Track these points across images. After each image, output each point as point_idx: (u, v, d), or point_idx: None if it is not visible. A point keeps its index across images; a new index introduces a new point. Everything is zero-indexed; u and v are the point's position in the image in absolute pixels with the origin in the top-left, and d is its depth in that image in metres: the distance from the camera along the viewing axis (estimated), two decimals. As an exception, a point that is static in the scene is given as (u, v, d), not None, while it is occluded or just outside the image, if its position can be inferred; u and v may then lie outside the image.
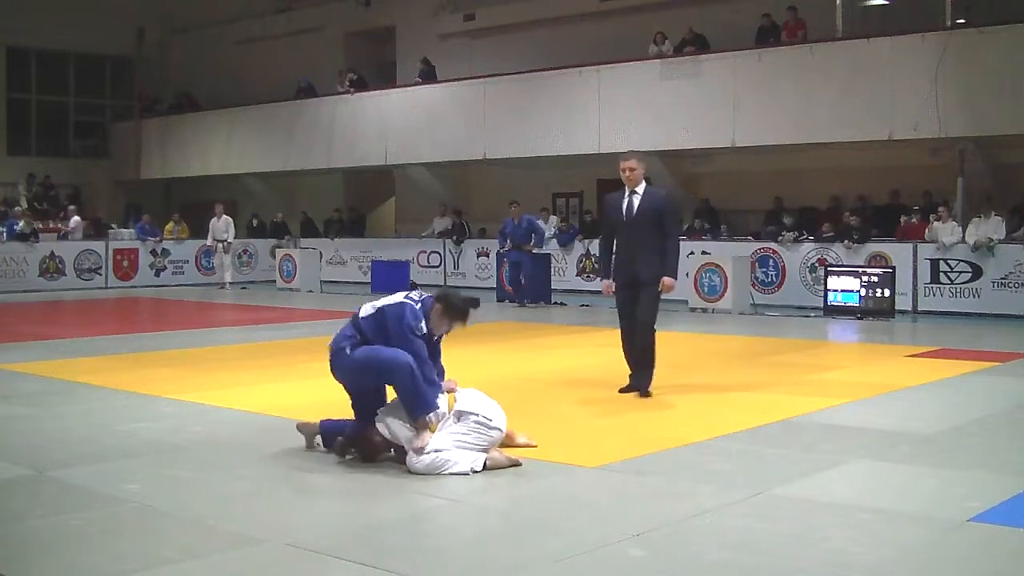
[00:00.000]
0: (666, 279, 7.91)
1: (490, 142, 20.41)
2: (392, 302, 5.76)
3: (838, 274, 15.24)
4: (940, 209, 15.63)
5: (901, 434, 6.54)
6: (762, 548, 4.25)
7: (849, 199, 17.62)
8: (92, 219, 24.39)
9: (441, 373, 5.85)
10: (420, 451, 5.40)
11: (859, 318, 14.57)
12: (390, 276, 18.80)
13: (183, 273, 22.80)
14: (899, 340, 12.63)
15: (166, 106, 28.34)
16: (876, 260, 15.69)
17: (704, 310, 15.71)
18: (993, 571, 4.08)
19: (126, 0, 27.38)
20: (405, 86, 22.92)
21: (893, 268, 14.96)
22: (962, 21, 15.90)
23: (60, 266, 21.01)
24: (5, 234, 20.75)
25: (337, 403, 6.05)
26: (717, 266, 15.83)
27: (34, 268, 20.65)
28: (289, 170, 24.63)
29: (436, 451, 5.43)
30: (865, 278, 14.86)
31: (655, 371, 8.02)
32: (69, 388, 8.33)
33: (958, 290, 15.05)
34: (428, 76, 22.24)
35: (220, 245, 21.71)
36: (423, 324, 5.67)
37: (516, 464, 5.58)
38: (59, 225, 22.63)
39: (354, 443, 5.71)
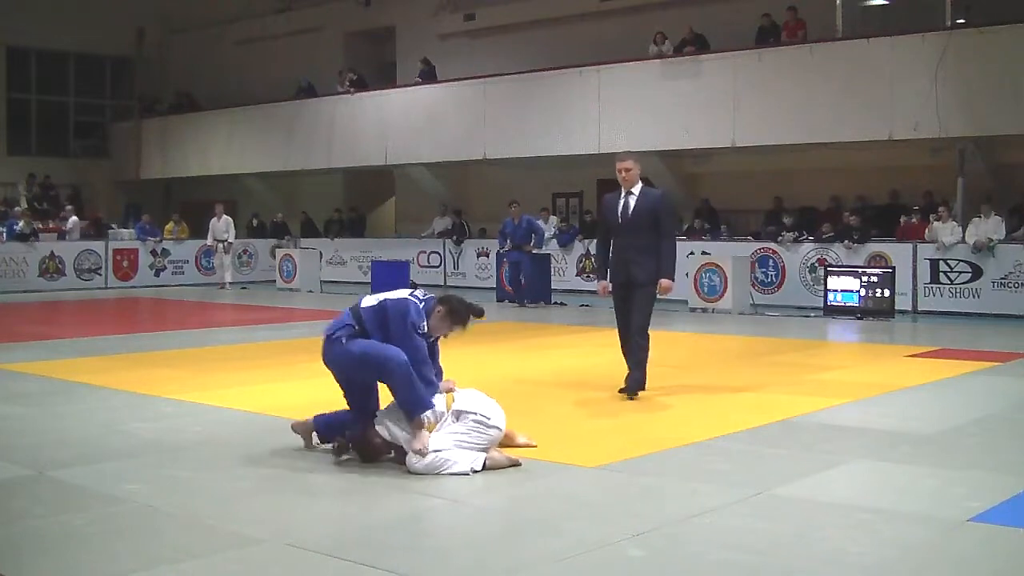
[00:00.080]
0: (663, 281, 7.87)
1: (490, 142, 20.42)
2: (395, 297, 5.75)
3: (838, 274, 15.24)
4: (940, 209, 15.63)
5: (901, 434, 6.54)
6: (762, 548, 4.25)
7: (849, 199, 17.62)
8: (92, 219, 24.41)
9: (439, 373, 5.84)
10: (422, 453, 5.40)
11: (859, 318, 14.57)
12: (390, 276, 18.76)
13: (183, 273, 22.81)
14: (899, 340, 12.63)
15: (166, 106, 28.34)
16: (876, 260, 15.69)
17: (704, 310, 15.71)
18: (993, 571, 4.08)
19: (126, 0, 27.38)
20: (405, 86, 22.92)
21: (893, 268, 14.96)
22: (962, 21, 15.90)
23: (60, 266, 21.01)
24: (5, 234, 20.75)
25: (336, 403, 6.04)
26: (717, 266, 15.83)
27: (34, 268, 20.65)
28: (289, 170, 24.63)
29: (435, 451, 5.42)
30: (865, 278, 14.86)
31: (647, 374, 7.99)
32: (69, 388, 8.33)
33: (958, 290, 15.05)
34: (428, 76, 22.24)
35: (220, 245, 21.71)
36: (425, 323, 5.67)
37: (516, 464, 5.58)
38: (58, 225, 22.61)
39: (354, 445, 5.70)
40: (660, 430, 6.76)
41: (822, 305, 15.25)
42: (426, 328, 5.69)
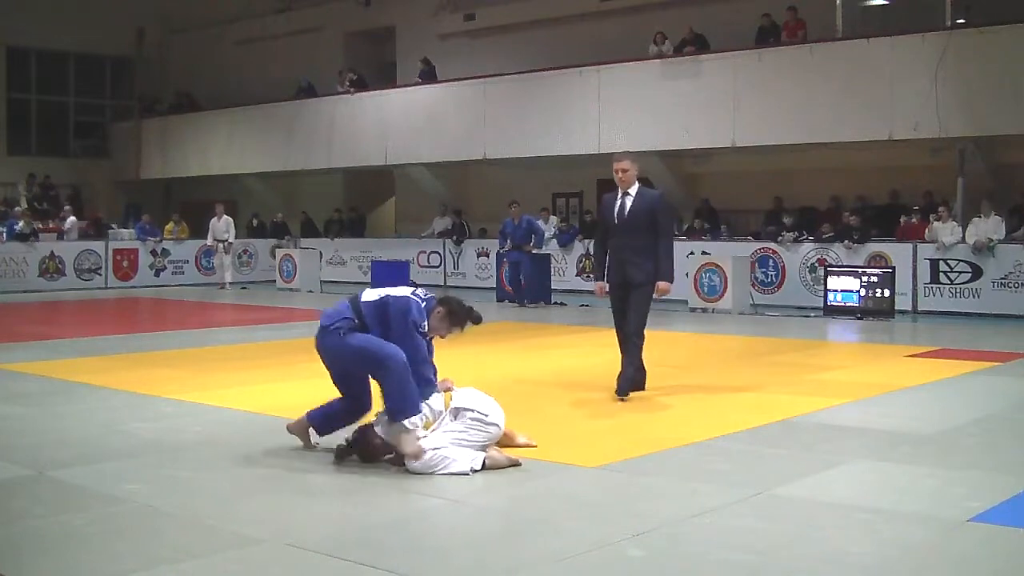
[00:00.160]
0: (661, 284, 7.84)
1: (490, 142, 20.42)
2: (397, 294, 5.74)
3: (838, 274, 15.24)
4: (940, 209, 15.63)
5: (901, 434, 6.54)
6: (762, 548, 4.25)
7: (849, 199, 17.62)
8: (92, 219, 24.41)
9: (434, 372, 5.85)
10: (417, 456, 5.38)
11: (859, 318, 14.57)
12: (390, 276, 18.74)
13: (183, 273, 22.81)
14: (899, 340, 12.63)
15: (166, 106, 28.34)
16: (876, 260, 15.69)
17: (704, 310, 15.71)
18: (993, 571, 4.08)
19: (126, 0, 27.38)
20: (405, 86, 22.92)
21: (893, 268, 14.96)
22: (962, 21, 15.90)
23: (60, 266, 21.01)
24: (5, 234, 20.75)
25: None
26: (717, 266, 15.83)
27: (34, 268, 20.65)
28: (289, 170, 24.63)
29: (434, 449, 5.42)
30: (865, 278, 14.86)
31: (646, 374, 8.01)
32: (69, 388, 8.33)
33: (958, 290, 15.05)
34: (428, 76, 22.24)
35: (221, 245, 21.71)
36: (425, 322, 5.68)
37: (516, 464, 5.58)
38: (56, 225, 22.61)
39: (354, 446, 5.70)
40: (660, 430, 6.76)
41: (822, 305, 15.25)
42: (426, 328, 5.69)
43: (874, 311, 14.62)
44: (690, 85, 17.87)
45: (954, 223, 15.31)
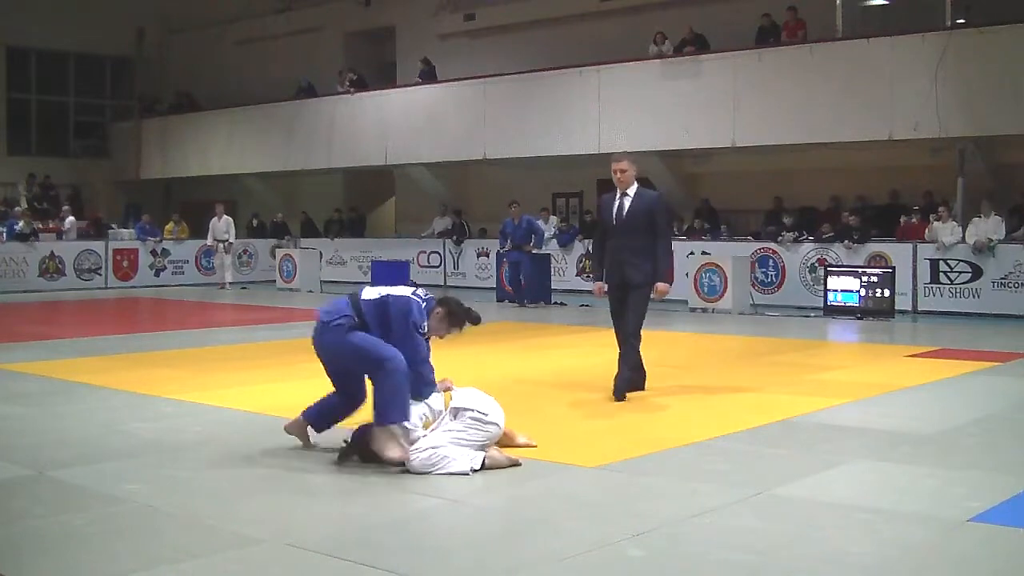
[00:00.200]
0: (660, 285, 7.83)
1: (490, 142, 20.42)
2: (398, 294, 5.74)
3: (838, 274, 15.24)
4: (940, 209, 15.63)
5: (901, 434, 6.54)
6: (762, 548, 4.25)
7: (849, 199, 17.62)
8: (92, 219, 24.41)
9: (433, 373, 5.86)
10: (404, 460, 5.37)
11: (859, 318, 14.57)
12: (390, 276, 18.76)
13: (183, 273, 22.81)
14: (899, 340, 12.63)
15: (166, 106, 28.34)
16: (876, 260, 15.69)
17: (704, 310, 15.71)
18: (993, 571, 4.08)
19: (126, 0, 27.38)
20: (405, 86, 22.92)
21: (893, 268, 14.96)
22: (962, 21, 15.90)
23: (60, 266, 21.01)
24: (5, 234, 20.75)
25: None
26: (717, 266, 15.83)
27: (34, 268, 20.65)
28: (289, 170, 24.63)
29: (433, 448, 5.42)
30: (865, 278, 14.86)
31: (645, 374, 8.00)
32: (69, 388, 8.33)
33: (958, 290, 15.05)
34: (428, 76, 22.24)
35: (221, 245, 21.71)
36: (425, 323, 5.69)
37: (516, 464, 5.58)
38: (55, 225, 22.60)
39: (354, 446, 5.70)
40: (660, 430, 6.76)
41: (822, 305, 15.25)
42: (425, 328, 5.70)
43: (874, 311, 14.62)
44: (690, 85, 17.86)
45: (954, 223, 15.31)
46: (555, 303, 17.24)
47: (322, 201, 25.25)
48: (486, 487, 5.26)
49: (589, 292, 18.16)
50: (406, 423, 5.51)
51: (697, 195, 19.77)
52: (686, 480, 5.37)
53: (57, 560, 4.14)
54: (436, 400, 5.74)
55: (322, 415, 5.96)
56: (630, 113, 18.40)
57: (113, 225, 24.59)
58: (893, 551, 4.25)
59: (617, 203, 7.93)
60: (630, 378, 7.81)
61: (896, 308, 14.71)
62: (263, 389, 8.30)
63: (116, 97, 29.50)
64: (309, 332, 5.97)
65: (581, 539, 4.36)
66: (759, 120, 17.04)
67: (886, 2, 18.89)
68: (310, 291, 20.29)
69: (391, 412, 5.42)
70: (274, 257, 22.22)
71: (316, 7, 25.95)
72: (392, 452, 5.39)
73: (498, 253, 18.47)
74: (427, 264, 21.81)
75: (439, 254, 21.80)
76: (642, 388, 8.01)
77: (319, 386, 6.18)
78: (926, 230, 15.69)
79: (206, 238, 22.07)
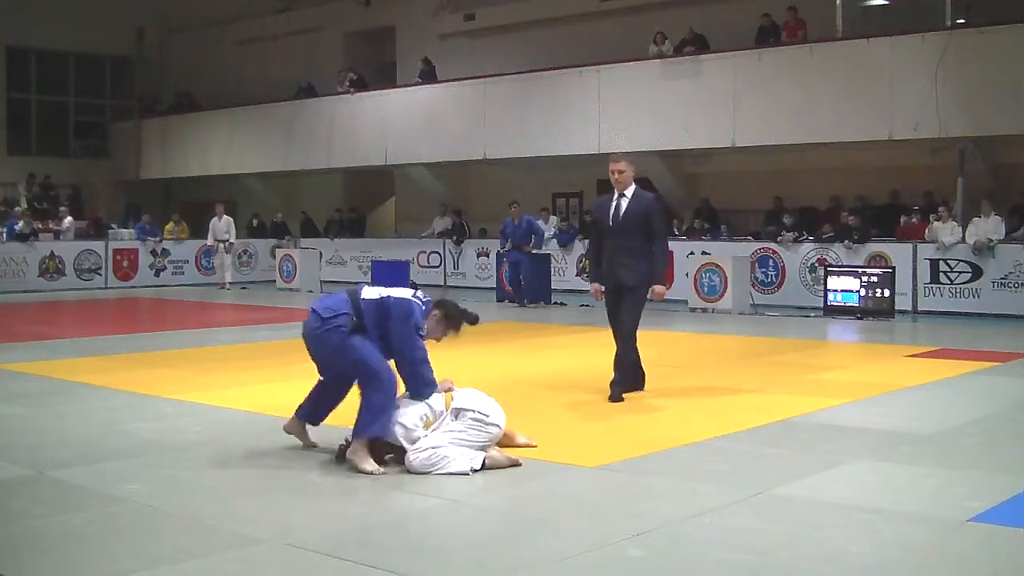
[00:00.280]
0: (656, 288, 7.81)
1: (490, 142, 20.42)
2: (398, 295, 5.74)
3: (838, 274, 15.24)
4: (940, 209, 15.63)
5: (901, 434, 6.54)
6: (762, 548, 4.25)
7: (849, 199, 17.63)
8: (92, 219, 24.41)
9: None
10: (365, 472, 5.37)
11: (859, 318, 14.57)
12: (390, 276, 18.76)
13: (183, 273, 22.81)
14: (899, 340, 12.63)
15: (166, 106, 28.34)
16: (876, 260, 15.69)
17: (704, 310, 15.71)
18: (993, 571, 4.08)
19: (126, 0, 27.39)
20: (405, 86, 22.92)
21: (893, 268, 14.96)
22: (962, 21, 15.90)
23: (60, 266, 21.01)
24: (5, 234, 20.75)
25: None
26: (717, 266, 15.83)
27: (34, 268, 20.65)
28: (289, 170, 24.63)
29: (433, 448, 5.42)
30: (865, 278, 14.86)
31: (644, 374, 8.00)
32: (69, 388, 8.33)
33: (958, 290, 15.05)
34: (428, 76, 22.24)
35: (221, 245, 21.71)
36: (424, 325, 5.72)
37: (516, 464, 5.58)
38: (53, 225, 22.60)
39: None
40: (660, 430, 6.76)
41: (822, 305, 15.25)
42: (424, 330, 5.72)
43: (874, 311, 14.62)
44: (690, 85, 17.87)
45: (954, 223, 15.31)
46: (555, 303, 17.24)
47: (322, 201, 25.26)
48: (486, 487, 5.26)
49: (589, 292, 18.22)
50: (407, 423, 5.52)
51: (697, 195, 19.77)
52: (686, 480, 5.37)
53: (57, 560, 4.15)
54: (437, 401, 5.74)
55: (315, 408, 5.97)
56: (630, 113, 18.40)
57: (113, 225, 24.59)
58: (893, 551, 4.25)
59: (614, 204, 7.89)
60: (626, 380, 7.80)
61: (896, 308, 14.71)
62: (263, 389, 8.30)
63: (116, 97, 29.51)
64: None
65: (581, 539, 4.36)
66: (759, 120, 17.04)
67: (886, 2, 18.89)
68: (310, 291, 20.27)
69: (374, 427, 5.47)
70: (274, 257, 22.22)
71: (316, 7, 25.96)
72: (367, 466, 5.43)
73: (498, 253, 18.47)
74: (427, 264, 21.81)
75: (439, 254, 21.81)
76: (641, 388, 8.01)
77: (319, 386, 6.17)
78: (926, 230, 15.69)
79: (206, 238, 22.07)
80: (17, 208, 22.65)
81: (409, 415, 5.58)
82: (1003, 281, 14.72)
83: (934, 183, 16.70)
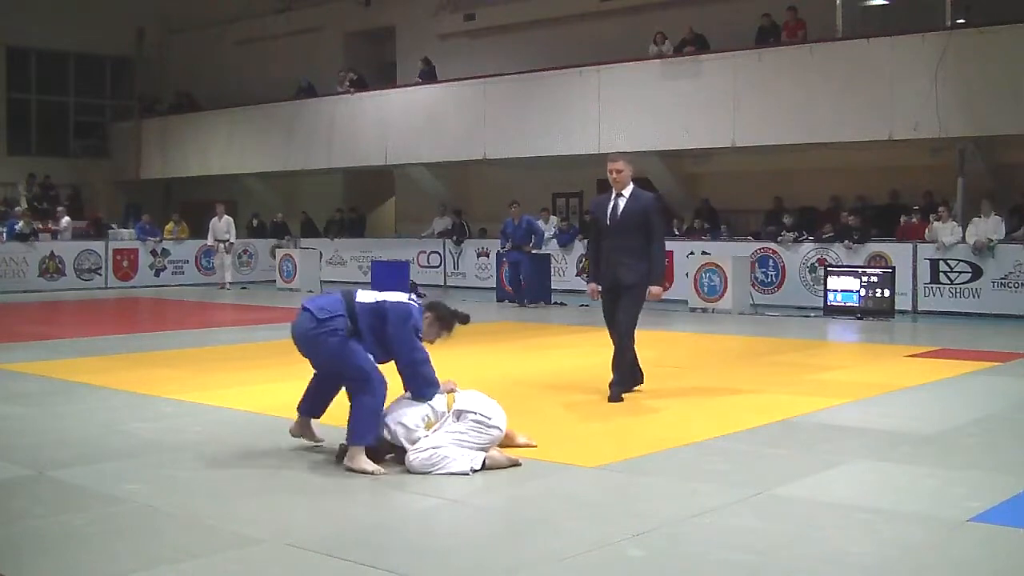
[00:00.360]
0: (652, 288, 7.75)
1: (490, 142, 20.42)
2: (395, 299, 5.75)
3: (838, 274, 15.24)
4: (940, 209, 15.63)
5: (901, 434, 6.54)
6: (762, 548, 4.25)
7: (849, 199, 17.63)
8: (92, 219, 24.40)
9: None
10: (365, 472, 5.39)
11: (859, 318, 14.57)
12: (390, 276, 18.77)
13: (183, 273, 22.81)
14: (899, 340, 12.63)
15: (166, 106, 28.35)
16: (876, 260, 15.69)
17: (704, 310, 15.71)
18: (993, 571, 4.08)
19: (126, 0, 27.39)
20: (405, 86, 22.92)
21: (893, 268, 14.96)
22: (962, 21, 15.90)
23: (60, 266, 21.01)
24: (5, 234, 20.75)
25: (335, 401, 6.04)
26: (717, 266, 15.83)
27: (34, 268, 20.65)
28: (289, 170, 24.63)
29: (433, 448, 5.43)
30: (865, 278, 14.86)
31: (642, 373, 8.00)
32: (69, 388, 8.33)
33: (958, 290, 15.05)
34: (428, 76, 22.24)
35: (221, 245, 21.70)
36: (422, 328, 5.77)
37: (516, 464, 5.58)
38: (51, 225, 22.59)
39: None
40: (660, 430, 6.76)
41: (822, 305, 15.25)
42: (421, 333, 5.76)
43: (874, 311, 14.62)
44: (690, 85, 17.87)
45: (954, 223, 15.31)
46: (555, 303, 17.23)
47: (322, 201, 25.26)
48: (486, 487, 5.26)
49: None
50: (408, 424, 5.52)
51: (697, 195, 19.77)
52: (686, 480, 5.37)
53: (57, 560, 4.15)
54: (439, 401, 5.75)
55: (315, 401, 5.97)
56: (630, 113, 18.40)
57: (113, 225, 24.58)
58: (893, 551, 4.25)
59: (611, 204, 7.86)
60: (625, 380, 7.79)
61: (896, 308, 14.71)
62: (263, 389, 8.30)
63: (116, 97, 29.51)
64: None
65: (581, 539, 4.36)
66: (759, 120, 17.04)
67: (886, 2, 18.89)
68: (310, 291, 20.25)
69: (367, 434, 5.50)
70: (274, 257, 22.21)
71: (316, 7, 25.96)
72: (367, 466, 5.45)
73: (498, 253, 18.47)
74: (427, 264, 21.81)
75: (439, 254, 21.81)
76: (641, 381, 7.97)
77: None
78: (926, 230, 15.69)
79: (206, 238, 22.05)
80: (17, 208, 22.65)
81: (411, 415, 5.59)
82: (1003, 281, 14.72)
83: (934, 183, 16.70)
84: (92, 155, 28.95)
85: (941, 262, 15.18)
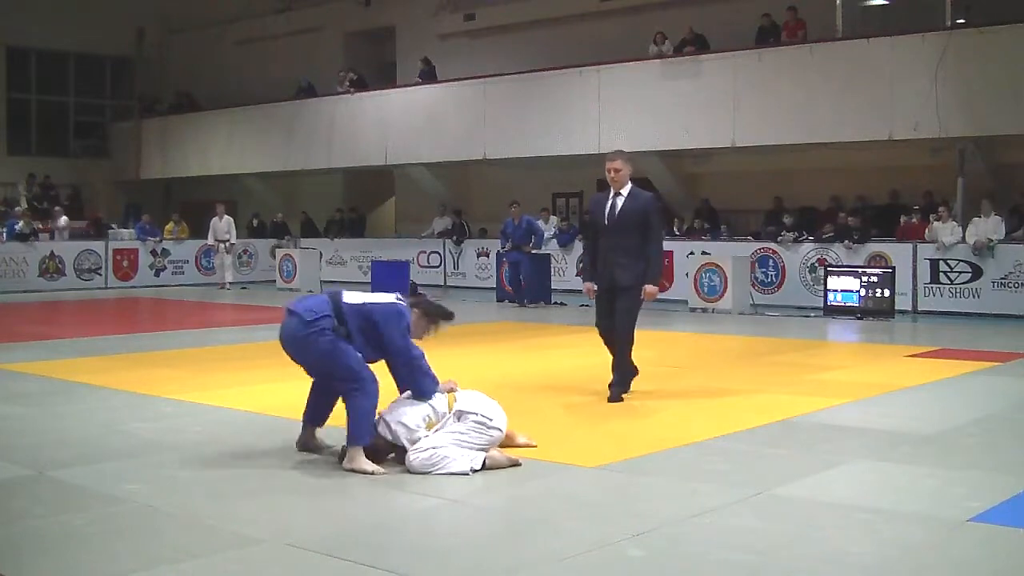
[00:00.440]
0: (648, 288, 7.68)
1: (490, 142, 20.42)
2: (382, 301, 5.77)
3: (838, 274, 15.24)
4: (940, 209, 15.63)
5: (901, 434, 6.54)
6: (762, 548, 4.25)
7: (849, 199, 17.63)
8: (92, 219, 24.39)
9: None
10: (364, 472, 5.39)
11: (859, 318, 14.57)
12: (390, 276, 18.76)
13: (183, 273, 22.81)
14: (899, 340, 12.63)
15: (166, 106, 28.35)
16: (876, 260, 15.69)
17: (704, 310, 15.71)
18: (993, 571, 4.08)
19: (126, 0, 27.39)
20: (405, 86, 22.93)
21: (893, 268, 14.96)
22: (962, 21, 15.91)
23: (60, 266, 21.01)
24: (5, 234, 20.75)
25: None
26: (717, 266, 15.83)
27: (34, 268, 20.65)
28: (289, 170, 24.64)
29: (434, 448, 5.43)
30: (865, 278, 14.86)
31: (638, 370, 7.96)
32: (69, 388, 8.33)
33: (958, 290, 15.05)
34: (428, 76, 22.24)
35: (222, 245, 21.70)
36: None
37: (516, 464, 5.58)
38: (48, 225, 22.59)
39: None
40: (660, 430, 6.76)
41: (822, 305, 15.25)
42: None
43: (874, 311, 14.62)
44: (690, 85, 17.87)
45: (954, 223, 15.31)
46: (555, 303, 17.23)
47: (322, 201, 25.26)
48: (486, 487, 5.26)
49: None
50: (409, 424, 5.53)
51: (697, 195, 19.77)
52: (686, 480, 5.37)
53: (57, 560, 4.14)
54: (440, 402, 5.75)
55: (317, 410, 5.96)
56: (630, 113, 18.40)
57: (113, 225, 24.59)
58: (893, 551, 4.25)
59: (610, 203, 7.79)
60: (625, 380, 7.78)
61: (896, 308, 14.71)
62: (263, 389, 8.30)
63: (116, 97, 29.51)
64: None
65: (581, 539, 4.36)
66: (759, 120, 17.04)
67: (886, 2, 18.90)
68: (310, 291, 20.24)
69: (364, 435, 5.51)
70: (274, 257, 22.21)
71: (316, 7, 25.96)
72: (367, 466, 5.45)
73: (498, 253, 18.47)
74: (427, 264, 21.81)
75: (439, 254, 21.81)
76: (636, 374, 7.92)
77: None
78: (926, 230, 15.69)
79: (206, 238, 22.06)
80: (17, 208, 22.65)
81: (412, 415, 5.59)
82: (1003, 281, 14.72)
83: (934, 183, 16.70)
84: (92, 155, 28.95)
85: (941, 262, 15.18)
